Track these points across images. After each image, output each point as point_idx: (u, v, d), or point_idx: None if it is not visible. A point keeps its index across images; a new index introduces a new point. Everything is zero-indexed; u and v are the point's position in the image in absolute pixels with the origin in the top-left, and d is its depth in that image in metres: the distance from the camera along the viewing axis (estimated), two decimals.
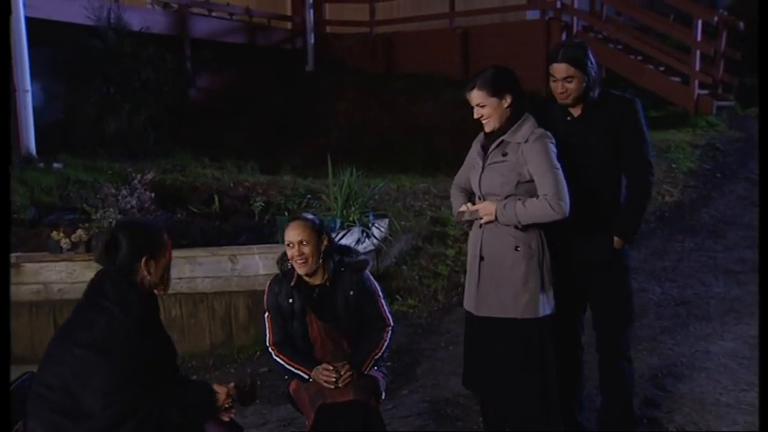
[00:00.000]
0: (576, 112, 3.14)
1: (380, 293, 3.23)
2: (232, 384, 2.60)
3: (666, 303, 5.05)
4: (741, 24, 9.52)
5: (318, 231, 3.08)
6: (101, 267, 2.54)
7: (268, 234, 5.59)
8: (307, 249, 3.03)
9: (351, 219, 5.52)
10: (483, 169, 3.02)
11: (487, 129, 3.07)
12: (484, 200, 3.02)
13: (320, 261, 3.09)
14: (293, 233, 3.05)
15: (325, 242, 3.11)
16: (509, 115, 3.01)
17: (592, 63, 3.09)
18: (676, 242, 6.15)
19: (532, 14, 10.56)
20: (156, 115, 8.29)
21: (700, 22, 9.00)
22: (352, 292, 3.12)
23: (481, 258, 3.00)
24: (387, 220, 5.88)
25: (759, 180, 5.90)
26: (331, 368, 2.98)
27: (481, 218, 2.99)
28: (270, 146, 9.39)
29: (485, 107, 3.05)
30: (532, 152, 2.90)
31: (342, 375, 2.97)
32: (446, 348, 4.71)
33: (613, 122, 3.12)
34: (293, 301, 3.09)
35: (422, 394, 4.10)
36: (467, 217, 3.05)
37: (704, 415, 3.58)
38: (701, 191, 7.14)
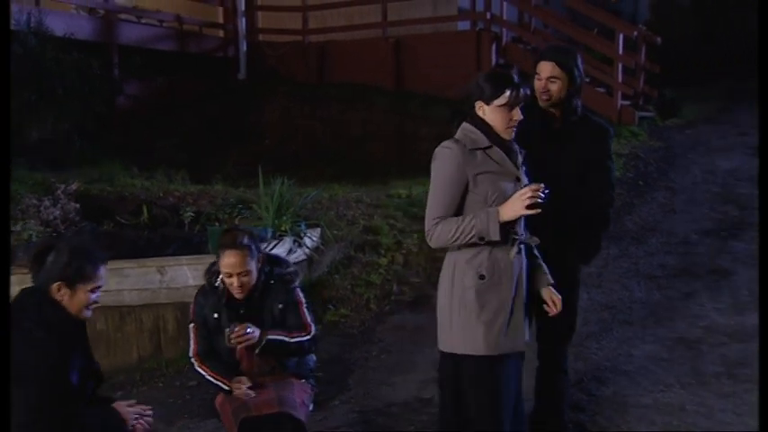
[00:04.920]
0: (557, 123, 3.16)
1: (304, 302, 3.19)
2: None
3: (593, 309, 5.19)
4: (659, 39, 9.94)
5: (254, 256, 3.02)
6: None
7: (198, 244, 5.49)
8: (245, 279, 2.99)
9: (282, 228, 5.48)
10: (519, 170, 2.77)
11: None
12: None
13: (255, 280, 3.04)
14: (231, 263, 2.96)
15: (262, 260, 3.08)
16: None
17: (579, 71, 3.13)
18: (602, 249, 6.33)
19: (463, 25, 10.75)
20: (82, 123, 8.06)
21: (621, 36, 9.34)
22: (280, 305, 3.09)
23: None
24: (319, 230, 5.87)
25: (759, 180, 6.11)
26: (248, 384, 2.94)
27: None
28: (201, 155, 9.26)
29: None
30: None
31: (237, 335, 2.87)
32: (378, 357, 4.73)
33: (590, 144, 3.17)
34: (219, 315, 3.05)
35: (353, 404, 4.11)
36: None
37: (625, 417, 3.71)
38: (625, 198, 7.38)
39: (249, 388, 2.94)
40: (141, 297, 4.84)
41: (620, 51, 9.41)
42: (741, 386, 3.92)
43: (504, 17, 10.14)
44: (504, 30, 10.11)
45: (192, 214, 5.79)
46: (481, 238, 2.61)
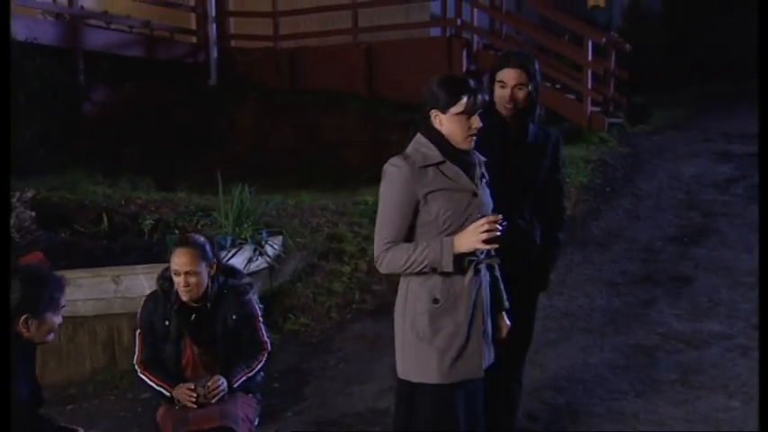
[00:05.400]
0: (514, 131, 3.03)
1: (260, 317, 3.17)
2: None
3: (553, 316, 5.18)
4: (628, 46, 10.01)
5: (207, 258, 2.98)
6: None
7: (158, 253, 5.41)
8: (193, 280, 2.94)
9: (243, 236, 5.43)
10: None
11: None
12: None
13: (207, 286, 3.00)
14: (180, 261, 2.93)
15: (215, 267, 3.03)
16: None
17: (538, 76, 3.03)
18: (566, 255, 6.31)
19: (435, 31, 10.75)
20: (46, 130, 7.96)
21: (590, 42, 9.39)
22: (234, 317, 3.05)
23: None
24: (281, 238, 5.82)
25: (759, 180, 6.15)
26: (193, 386, 2.89)
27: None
28: (169, 162, 9.17)
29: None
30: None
31: (210, 390, 2.87)
32: (336, 367, 4.68)
33: (547, 155, 3.09)
34: (169, 323, 3.00)
35: (308, 415, 4.06)
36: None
37: (578, 426, 3.70)
38: (592, 204, 7.40)
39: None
40: (95, 307, 4.76)
41: (589, 58, 9.44)
42: (694, 393, 3.93)
43: (475, 24, 10.16)
44: (474, 36, 10.12)
45: (152, 222, 5.73)
46: (434, 269, 2.46)
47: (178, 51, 10.96)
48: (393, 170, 2.51)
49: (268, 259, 5.54)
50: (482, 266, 2.56)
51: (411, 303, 2.53)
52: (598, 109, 9.76)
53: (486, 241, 2.40)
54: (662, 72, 12.25)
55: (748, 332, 4.58)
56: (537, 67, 3.04)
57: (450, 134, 2.51)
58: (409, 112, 9.31)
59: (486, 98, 2.59)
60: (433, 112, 2.52)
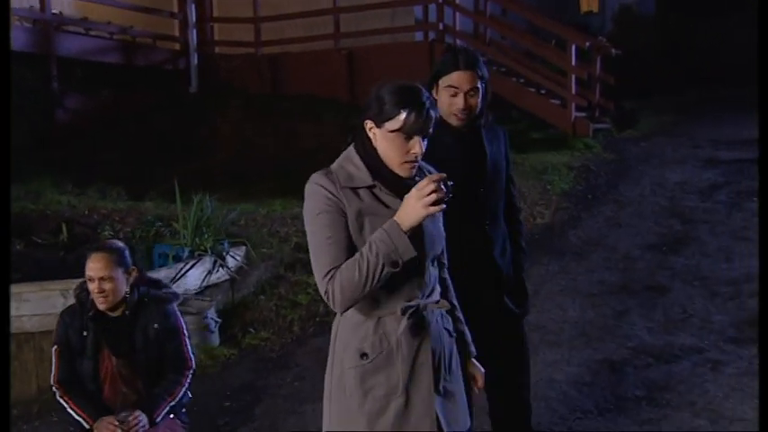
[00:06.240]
0: (469, 143, 2.68)
1: (186, 332, 3.01)
2: None
3: None
4: (614, 51, 9.84)
5: (124, 264, 2.85)
6: None
7: None
8: (108, 286, 2.79)
9: (202, 247, 5.25)
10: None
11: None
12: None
13: (125, 294, 2.85)
14: (95, 267, 2.80)
15: (134, 274, 2.89)
16: None
17: (487, 75, 2.67)
18: (541, 265, 6.14)
19: (418, 36, 10.60)
20: (16, 138, 7.78)
21: (573, 47, 9.22)
22: (155, 326, 2.90)
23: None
24: (244, 248, 5.63)
25: (759, 180, 5.97)
26: (116, 423, 2.72)
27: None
28: (148, 169, 8.99)
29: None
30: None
31: (129, 427, 2.72)
32: (292, 384, 4.49)
33: (502, 156, 2.78)
34: (86, 334, 2.84)
35: None
36: None
37: None
38: (572, 212, 7.22)
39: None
40: (42, 323, 4.56)
41: (573, 62, 9.27)
42: (660, 412, 3.73)
43: (458, 28, 10.00)
44: (457, 41, 9.96)
45: (111, 233, 5.54)
46: (394, 264, 1.93)
47: (158, 58, 10.83)
48: (314, 189, 2.06)
49: (229, 271, 5.35)
50: (431, 313, 2.09)
51: (339, 353, 2.10)
52: (583, 114, 9.59)
53: (434, 203, 1.88)
54: (653, 77, 12.08)
55: (720, 345, 4.39)
56: (485, 66, 2.67)
57: (384, 155, 2.04)
58: None
59: (437, 116, 2.07)
60: (368, 124, 2.05)
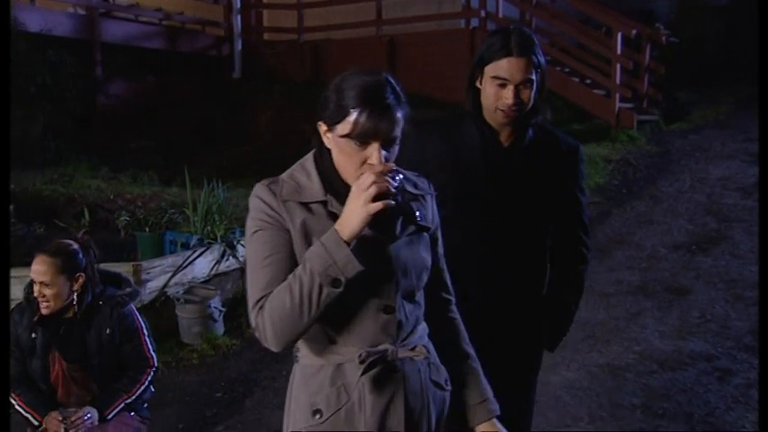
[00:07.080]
0: (505, 138, 2.20)
1: (145, 330, 2.89)
2: None
3: None
4: (666, 39, 9.41)
5: (68, 270, 2.68)
6: None
7: (129, 250, 5.35)
8: (48, 291, 2.66)
9: (212, 235, 5.29)
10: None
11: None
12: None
13: (71, 299, 2.73)
14: (35, 270, 2.66)
15: (81, 280, 2.72)
16: None
17: (544, 64, 2.16)
18: None
19: (460, 23, 10.39)
20: (58, 123, 8.02)
21: (620, 34, 8.86)
22: (108, 330, 2.78)
23: None
24: None
25: (759, 181, 5.72)
26: (61, 417, 2.70)
27: None
28: (184, 156, 9.13)
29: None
30: None
31: (72, 423, 2.67)
32: (286, 378, 4.45)
33: (555, 169, 2.23)
34: (36, 335, 2.81)
35: (239, 430, 3.86)
36: None
37: None
38: (603, 207, 6.96)
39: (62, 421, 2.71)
40: None
41: (619, 51, 8.91)
42: (653, 422, 3.55)
43: (501, 15, 9.75)
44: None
45: (128, 219, 5.64)
46: (335, 283, 1.50)
47: (202, 44, 10.96)
48: (252, 203, 1.66)
49: (238, 260, 5.37)
50: (407, 363, 1.64)
51: (292, 408, 1.70)
52: (629, 105, 9.21)
53: (376, 199, 1.48)
54: (715, 66, 11.50)
55: (733, 353, 4.15)
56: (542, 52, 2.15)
57: (337, 164, 1.62)
58: (430, 108, 9.07)
59: (406, 121, 1.61)
60: (322, 126, 1.63)
